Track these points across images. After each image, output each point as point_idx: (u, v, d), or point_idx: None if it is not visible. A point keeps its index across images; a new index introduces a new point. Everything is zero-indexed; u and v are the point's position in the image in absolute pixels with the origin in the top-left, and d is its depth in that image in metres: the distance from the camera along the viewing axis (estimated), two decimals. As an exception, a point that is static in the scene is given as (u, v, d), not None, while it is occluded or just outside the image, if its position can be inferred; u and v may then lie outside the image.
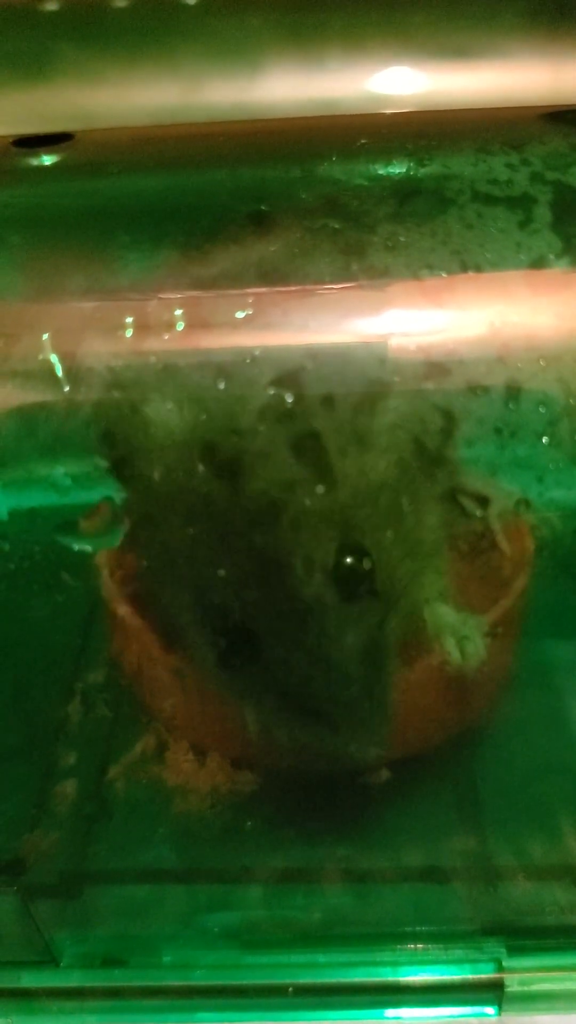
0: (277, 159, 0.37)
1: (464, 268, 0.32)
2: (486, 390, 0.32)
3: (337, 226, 0.33)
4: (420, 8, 0.40)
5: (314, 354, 0.32)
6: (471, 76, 0.40)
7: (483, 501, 0.34)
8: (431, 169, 0.35)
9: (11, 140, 0.38)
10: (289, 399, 0.32)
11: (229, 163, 0.37)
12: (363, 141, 0.36)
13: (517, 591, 0.39)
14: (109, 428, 0.33)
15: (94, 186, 0.37)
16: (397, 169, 0.36)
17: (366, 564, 0.33)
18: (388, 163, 0.36)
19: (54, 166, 0.37)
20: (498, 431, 0.32)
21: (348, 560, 0.33)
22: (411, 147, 0.36)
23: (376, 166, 0.36)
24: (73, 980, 0.40)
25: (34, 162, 0.37)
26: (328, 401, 0.32)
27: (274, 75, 0.39)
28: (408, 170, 0.36)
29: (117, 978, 0.40)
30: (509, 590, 0.39)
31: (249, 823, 0.41)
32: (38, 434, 0.33)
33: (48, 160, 0.37)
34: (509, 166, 0.35)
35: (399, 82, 0.39)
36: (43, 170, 0.37)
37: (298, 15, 0.40)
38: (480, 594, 0.38)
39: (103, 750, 0.42)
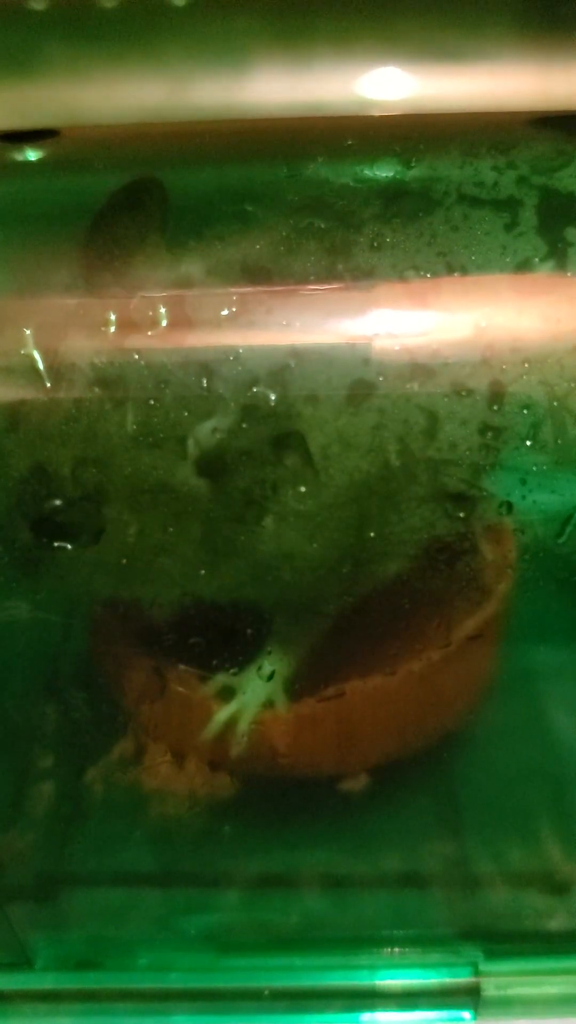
0: (263, 158, 0.37)
1: (450, 270, 0.32)
2: (470, 392, 0.32)
3: (323, 226, 0.33)
4: (410, 12, 0.40)
5: (296, 353, 0.32)
6: (460, 80, 0.40)
7: (466, 504, 0.34)
8: (417, 171, 0.35)
9: (-4, 135, 0.37)
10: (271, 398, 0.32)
11: (215, 161, 0.37)
12: (349, 142, 0.36)
13: (499, 596, 0.39)
14: (89, 425, 0.32)
15: (78, 182, 0.37)
16: (384, 171, 0.36)
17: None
18: (374, 165, 0.36)
19: (38, 162, 0.37)
20: (481, 433, 0.32)
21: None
22: (398, 149, 0.36)
23: (362, 167, 0.36)
24: (48, 982, 0.40)
25: (18, 157, 0.37)
26: (311, 400, 0.32)
27: (262, 76, 0.39)
28: (395, 172, 0.35)
29: (92, 980, 0.40)
30: (491, 595, 0.39)
31: (226, 827, 0.41)
32: (17, 430, 0.33)
33: (32, 156, 0.37)
34: (496, 169, 0.35)
35: (387, 85, 0.39)
36: (27, 165, 0.37)
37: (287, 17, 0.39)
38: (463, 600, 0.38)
39: (80, 752, 0.42)
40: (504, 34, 0.39)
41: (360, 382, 0.32)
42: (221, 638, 0.38)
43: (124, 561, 0.35)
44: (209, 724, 0.40)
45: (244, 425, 0.32)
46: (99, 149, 0.38)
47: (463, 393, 0.31)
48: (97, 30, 0.39)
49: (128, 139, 0.38)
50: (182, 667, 0.39)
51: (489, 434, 0.32)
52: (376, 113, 0.39)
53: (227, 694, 0.40)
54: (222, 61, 0.39)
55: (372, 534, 0.34)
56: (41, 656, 0.41)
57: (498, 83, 0.40)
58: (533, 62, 0.39)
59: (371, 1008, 0.40)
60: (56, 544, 0.34)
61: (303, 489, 0.33)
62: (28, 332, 0.32)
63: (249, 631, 0.38)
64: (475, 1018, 0.39)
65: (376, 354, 0.32)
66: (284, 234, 0.33)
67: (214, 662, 0.39)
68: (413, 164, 0.35)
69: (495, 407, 0.31)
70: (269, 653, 0.38)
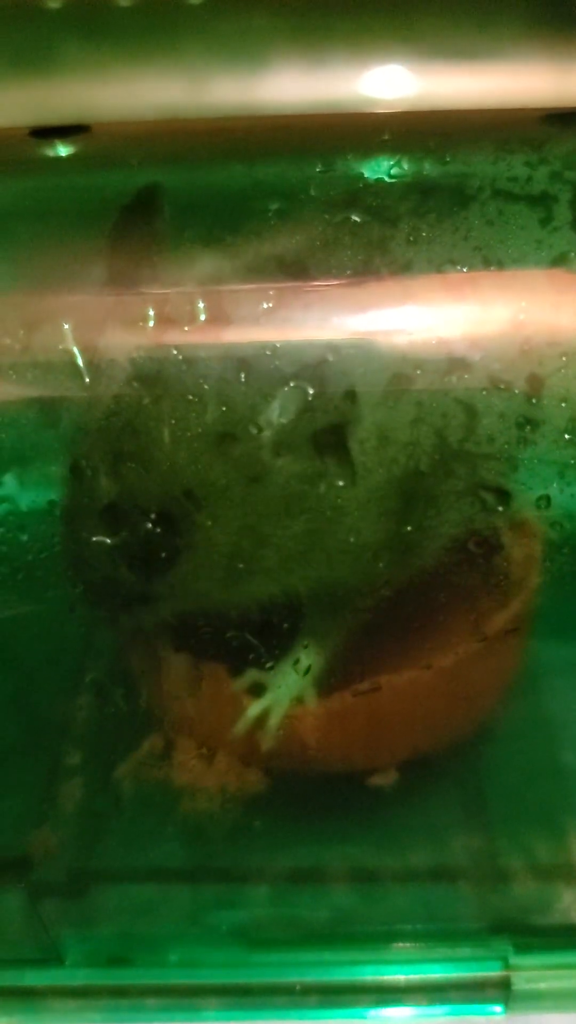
0: (294, 154, 0.37)
1: (486, 264, 0.32)
2: (508, 385, 0.32)
3: (359, 220, 0.33)
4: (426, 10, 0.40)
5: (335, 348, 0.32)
6: (475, 78, 0.40)
7: (504, 498, 0.34)
8: (451, 167, 0.35)
9: (27, 131, 0.37)
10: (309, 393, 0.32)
11: (246, 158, 0.37)
12: (385, 137, 0.36)
13: (527, 592, 0.40)
14: (129, 421, 0.32)
15: (110, 178, 0.37)
16: (414, 167, 0.36)
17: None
18: (404, 160, 0.36)
19: (70, 157, 0.37)
20: (519, 426, 0.32)
21: None
22: (432, 145, 0.36)
23: (393, 163, 0.36)
24: (78, 979, 0.40)
25: (50, 152, 0.37)
26: (349, 395, 0.32)
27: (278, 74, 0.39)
28: (427, 168, 0.36)
29: (122, 976, 0.40)
30: (519, 591, 0.40)
31: (256, 822, 0.41)
32: (58, 427, 0.33)
33: (64, 151, 0.37)
34: (528, 165, 0.35)
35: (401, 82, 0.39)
36: (59, 161, 0.37)
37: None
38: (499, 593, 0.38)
39: (111, 747, 0.42)
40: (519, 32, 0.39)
41: (398, 376, 0.32)
42: (255, 633, 0.38)
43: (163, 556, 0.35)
44: (241, 719, 0.40)
45: (283, 421, 0.32)
46: (130, 145, 0.38)
47: (501, 387, 0.32)
48: (115, 27, 0.39)
49: (158, 135, 0.38)
50: (214, 662, 0.40)
51: (527, 427, 0.32)
52: (400, 109, 0.39)
53: (258, 689, 0.40)
54: (238, 58, 0.39)
55: (409, 528, 0.34)
56: (72, 650, 0.41)
57: (514, 81, 0.40)
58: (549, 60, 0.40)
59: (401, 1002, 0.40)
60: (95, 539, 0.34)
61: (341, 483, 0.33)
62: (66, 327, 0.32)
63: (284, 625, 0.38)
64: (505, 1012, 0.39)
65: (413, 348, 0.32)
66: (320, 229, 0.33)
67: (248, 657, 0.39)
68: (448, 160, 0.35)
69: (533, 400, 0.32)
70: (305, 647, 0.38)
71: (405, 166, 0.36)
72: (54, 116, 0.39)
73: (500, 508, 0.34)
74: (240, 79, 0.39)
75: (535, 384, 0.32)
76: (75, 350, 0.32)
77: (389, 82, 0.39)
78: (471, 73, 0.40)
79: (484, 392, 0.32)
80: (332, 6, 0.40)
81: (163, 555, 0.35)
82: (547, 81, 0.40)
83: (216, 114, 0.39)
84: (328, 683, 0.40)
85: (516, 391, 0.32)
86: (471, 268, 0.32)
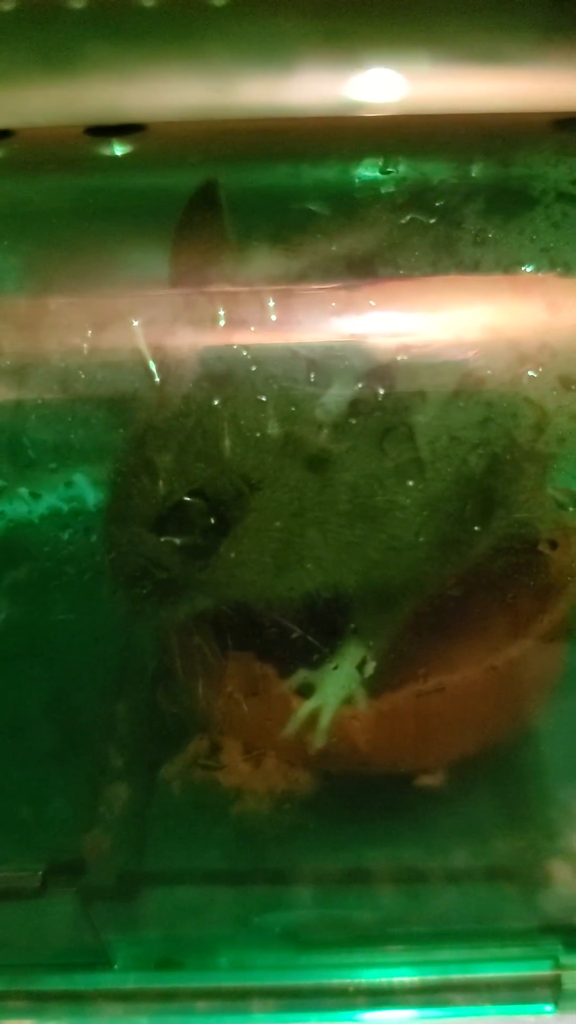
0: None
1: (552, 266, 0.33)
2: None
3: (425, 221, 0.33)
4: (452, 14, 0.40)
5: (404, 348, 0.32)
6: (497, 82, 0.40)
7: (563, 500, 0.34)
8: (517, 169, 0.35)
9: (83, 129, 0.37)
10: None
11: (305, 158, 0.37)
12: (443, 140, 0.36)
13: (568, 597, 0.40)
14: (199, 420, 0.32)
15: (167, 177, 0.37)
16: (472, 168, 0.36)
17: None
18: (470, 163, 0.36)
19: (125, 156, 0.37)
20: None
21: None
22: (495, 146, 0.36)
23: (455, 165, 0.36)
24: (128, 982, 0.39)
25: (106, 151, 0.37)
26: (417, 395, 0.32)
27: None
28: (486, 169, 0.36)
29: (172, 980, 0.40)
30: (559, 596, 0.40)
31: (306, 823, 0.41)
32: (127, 428, 0.32)
33: (120, 150, 0.37)
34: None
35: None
36: (115, 160, 0.37)
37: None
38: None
39: (157, 750, 0.42)
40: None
41: (464, 376, 0.32)
42: (306, 634, 0.38)
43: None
44: (290, 720, 0.40)
45: (351, 420, 0.32)
46: (186, 144, 0.38)
47: (572, 387, 0.32)
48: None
49: (213, 134, 0.38)
50: (264, 663, 0.39)
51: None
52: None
53: (308, 690, 0.40)
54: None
55: (472, 527, 0.34)
56: (121, 651, 0.41)
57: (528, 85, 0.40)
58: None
59: (452, 1003, 0.40)
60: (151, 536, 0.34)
61: (409, 482, 0.33)
62: (135, 324, 0.32)
63: (338, 624, 0.38)
64: (556, 1011, 0.39)
65: (481, 347, 0.32)
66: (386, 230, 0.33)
67: (297, 657, 0.39)
68: (509, 163, 0.35)
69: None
70: (365, 647, 0.38)
71: (465, 168, 0.36)
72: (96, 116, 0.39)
73: (569, 509, 0.34)
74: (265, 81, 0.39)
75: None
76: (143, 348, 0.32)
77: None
78: (490, 77, 0.40)
79: (554, 392, 0.32)
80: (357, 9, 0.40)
81: (221, 550, 0.35)
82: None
83: (243, 115, 0.39)
84: (379, 684, 0.40)
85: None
86: (539, 269, 0.32)
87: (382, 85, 0.39)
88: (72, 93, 0.39)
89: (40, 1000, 0.39)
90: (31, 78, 0.38)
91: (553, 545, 0.35)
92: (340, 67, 0.39)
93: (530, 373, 0.32)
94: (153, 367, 0.32)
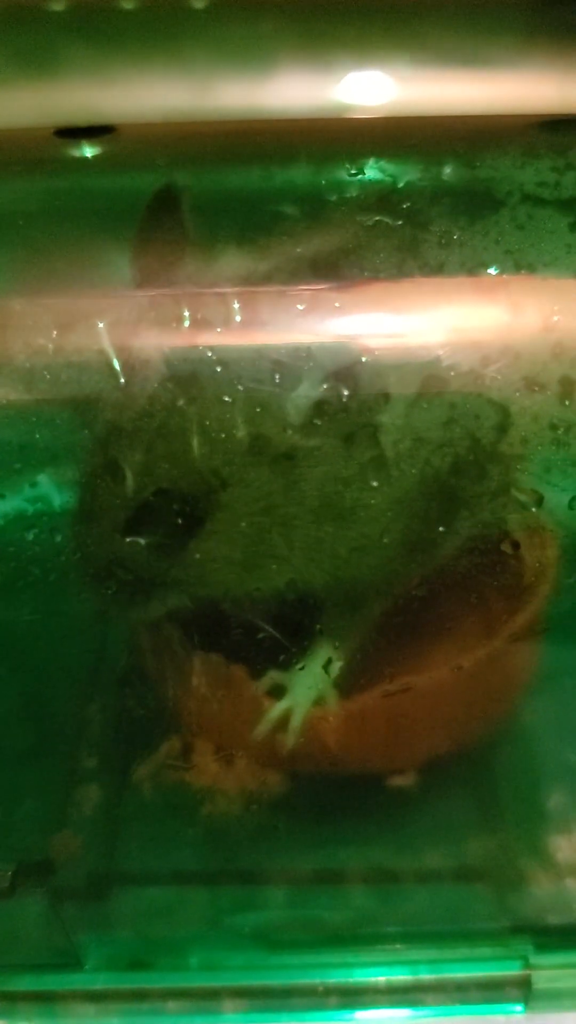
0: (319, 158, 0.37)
1: (517, 268, 0.33)
2: (541, 387, 0.32)
3: (391, 223, 0.33)
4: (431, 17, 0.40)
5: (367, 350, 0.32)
6: (478, 85, 0.40)
7: (535, 499, 0.34)
8: (482, 172, 0.35)
9: (52, 130, 0.37)
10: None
11: (275, 160, 0.37)
12: (412, 141, 0.36)
13: (539, 598, 0.40)
14: (163, 421, 0.32)
15: (136, 179, 0.37)
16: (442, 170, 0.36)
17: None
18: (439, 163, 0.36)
19: (95, 157, 0.37)
20: (552, 428, 0.32)
21: None
22: (460, 149, 0.36)
23: (423, 166, 0.36)
24: (98, 983, 0.39)
25: (75, 153, 0.37)
26: (380, 397, 0.33)
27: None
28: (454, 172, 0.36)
29: (142, 980, 0.40)
30: (531, 596, 0.40)
31: (276, 824, 0.41)
32: (93, 428, 0.32)
33: (89, 152, 0.37)
34: (555, 170, 0.35)
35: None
36: (84, 161, 0.37)
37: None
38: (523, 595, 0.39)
39: (131, 750, 0.42)
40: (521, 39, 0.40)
41: (430, 378, 0.32)
42: (275, 634, 0.38)
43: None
44: (261, 721, 0.40)
45: (316, 421, 0.32)
46: (155, 145, 0.38)
47: (534, 389, 0.32)
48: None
49: (182, 136, 0.38)
50: (234, 664, 0.39)
51: (560, 430, 0.32)
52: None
53: (279, 691, 0.40)
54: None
55: (437, 528, 0.34)
56: (107, 652, 0.41)
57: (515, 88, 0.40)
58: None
59: (422, 1003, 0.40)
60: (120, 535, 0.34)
61: (373, 483, 0.33)
62: (101, 326, 0.32)
63: (306, 625, 0.38)
64: (526, 1011, 0.39)
65: (445, 349, 0.32)
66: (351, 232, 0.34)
67: (267, 658, 0.39)
68: (477, 165, 0.35)
69: (566, 402, 0.32)
70: (335, 648, 0.39)
71: (430, 170, 0.36)
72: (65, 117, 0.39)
73: (532, 510, 0.34)
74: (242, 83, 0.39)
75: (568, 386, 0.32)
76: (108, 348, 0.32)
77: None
78: (470, 80, 0.40)
79: (517, 394, 0.32)
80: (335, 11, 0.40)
81: (188, 550, 0.35)
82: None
83: (221, 117, 0.39)
84: (348, 684, 0.40)
85: (549, 393, 0.32)
86: (503, 271, 0.33)
87: (358, 88, 0.40)
88: (46, 95, 0.39)
89: (10, 1000, 0.39)
90: (3, 79, 0.38)
91: (516, 546, 0.35)
92: (319, 70, 0.40)
93: (493, 374, 0.32)
94: (118, 367, 0.32)
